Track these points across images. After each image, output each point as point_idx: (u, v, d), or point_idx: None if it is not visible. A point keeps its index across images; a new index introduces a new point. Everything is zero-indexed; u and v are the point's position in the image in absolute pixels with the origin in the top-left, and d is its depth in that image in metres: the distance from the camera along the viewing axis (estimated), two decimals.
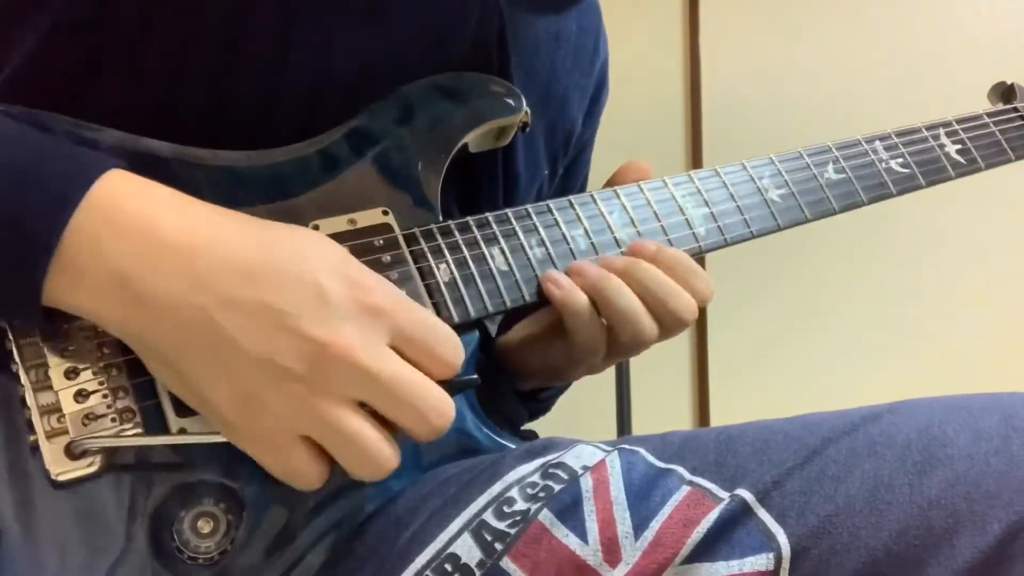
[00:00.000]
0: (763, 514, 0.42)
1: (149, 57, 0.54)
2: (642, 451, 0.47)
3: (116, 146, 0.50)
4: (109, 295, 0.42)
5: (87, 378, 0.45)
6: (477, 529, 0.45)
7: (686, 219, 0.62)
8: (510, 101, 0.60)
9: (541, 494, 0.46)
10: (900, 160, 0.71)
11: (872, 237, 1.44)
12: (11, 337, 0.45)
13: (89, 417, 0.44)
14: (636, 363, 1.31)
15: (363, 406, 0.44)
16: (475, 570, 0.44)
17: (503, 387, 0.65)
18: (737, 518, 0.42)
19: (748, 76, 1.44)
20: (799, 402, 0.68)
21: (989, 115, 0.76)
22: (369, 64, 0.58)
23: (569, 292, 0.56)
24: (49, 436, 0.43)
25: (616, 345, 0.58)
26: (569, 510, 0.45)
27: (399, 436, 0.45)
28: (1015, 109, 0.77)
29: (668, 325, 0.57)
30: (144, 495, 0.45)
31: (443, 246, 0.55)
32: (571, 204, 0.60)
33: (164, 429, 0.46)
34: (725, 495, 0.43)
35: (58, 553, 0.43)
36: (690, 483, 0.45)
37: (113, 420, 0.45)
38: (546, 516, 0.45)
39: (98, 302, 0.42)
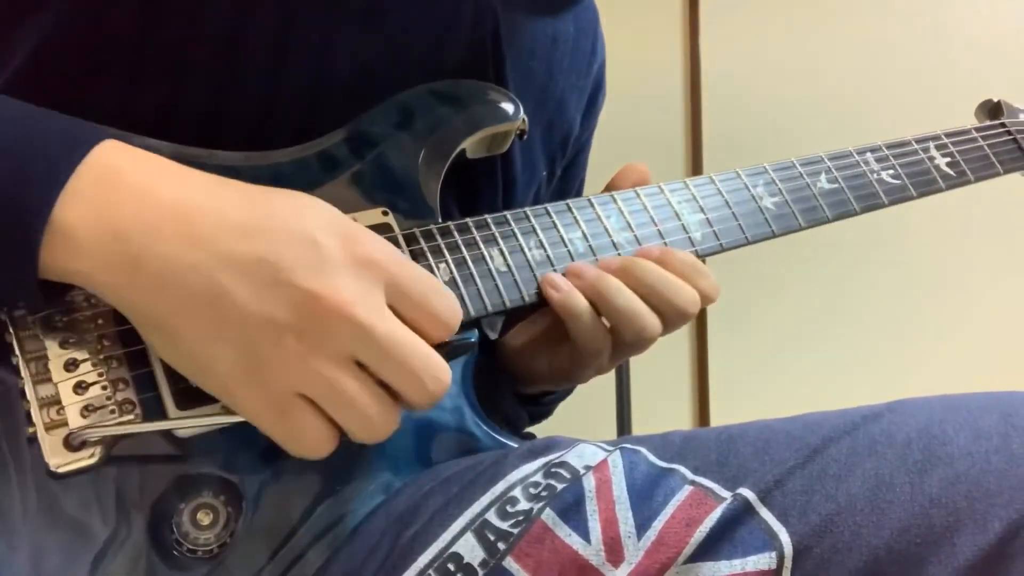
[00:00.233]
0: (765, 513, 0.42)
1: (149, 58, 0.54)
2: (644, 451, 0.47)
3: None
4: (106, 258, 0.41)
5: (87, 370, 0.45)
6: (480, 528, 0.45)
7: (682, 224, 0.63)
8: (508, 109, 0.60)
9: (544, 493, 0.46)
10: (891, 172, 0.72)
11: (871, 238, 1.45)
12: (11, 329, 0.45)
13: (88, 409, 0.44)
14: (636, 363, 1.31)
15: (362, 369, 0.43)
16: (478, 570, 0.44)
17: (503, 388, 0.65)
18: (739, 517, 0.42)
19: (748, 76, 1.45)
20: (799, 402, 0.68)
21: (977, 130, 0.78)
22: (368, 65, 0.58)
23: (568, 294, 0.56)
24: (48, 428, 0.43)
25: (621, 344, 0.58)
26: (572, 510, 0.45)
27: (399, 403, 0.45)
28: (1002, 125, 0.79)
29: (671, 318, 0.57)
30: (143, 487, 0.44)
31: (442, 246, 0.55)
32: (569, 208, 0.61)
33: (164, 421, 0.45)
34: (727, 494, 0.43)
35: (54, 545, 0.42)
36: (692, 483, 0.45)
37: (112, 412, 0.44)
38: (549, 516, 0.45)
39: (95, 265, 0.41)
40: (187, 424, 0.45)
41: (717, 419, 1.46)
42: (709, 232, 0.63)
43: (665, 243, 0.61)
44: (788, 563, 0.41)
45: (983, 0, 1.52)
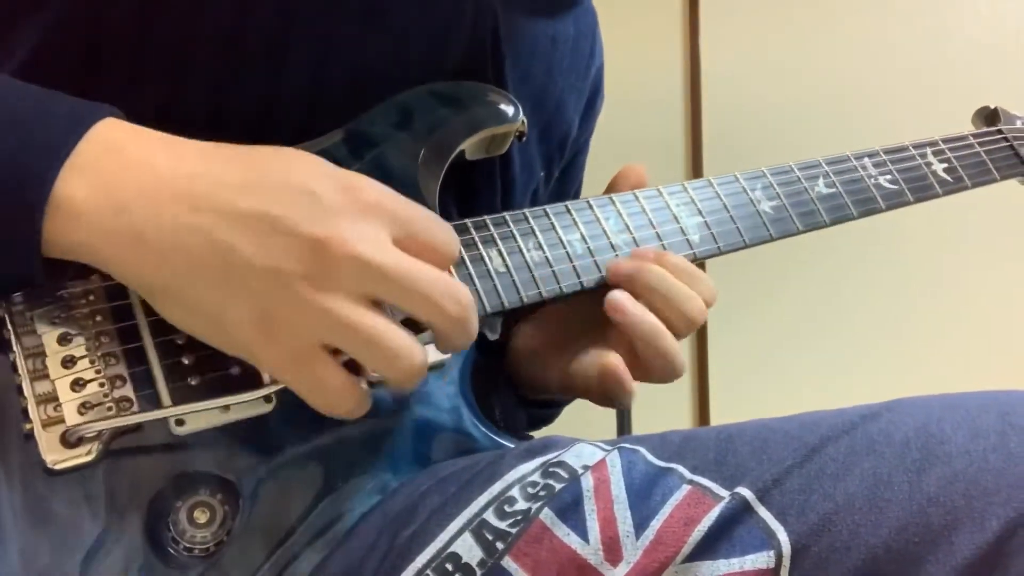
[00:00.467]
0: (763, 512, 0.42)
1: (149, 57, 0.54)
2: (642, 450, 0.47)
3: None
4: (109, 231, 0.41)
5: (84, 367, 0.45)
6: (478, 528, 0.45)
7: (680, 227, 0.63)
8: (507, 110, 0.61)
9: (542, 493, 0.46)
10: (888, 177, 0.72)
11: (869, 240, 1.45)
12: (9, 326, 0.45)
13: (86, 406, 0.44)
14: None
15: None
16: (476, 569, 0.44)
17: (501, 390, 0.65)
18: (738, 516, 0.42)
19: (748, 78, 1.46)
20: (798, 401, 0.68)
21: (974, 136, 0.78)
22: (367, 65, 0.58)
23: (641, 316, 0.56)
24: (45, 425, 0.43)
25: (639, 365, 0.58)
26: (570, 509, 0.45)
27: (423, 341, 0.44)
28: (999, 131, 0.79)
29: (679, 329, 0.58)
30: (140, 485, 0.44)
31: None
32: (567, 209, 0.61)
33: (161, 419, 0.45)
34: (725, 494, 0.43)
35: (47, 542, 0.42)
36: (690, 482, 0.45)
37: (110, 409, 0.44)
38: (547, 515, 0.45)
39: (98, 239, 0.42)
40: (184, 411, 0.45)
41: (717, 419, 1.46)
42: (707, 235, 0.63)
43: (664, 245, 0.61)
44: (786, 562, 0.41)
45: (983, 0, 1.53)
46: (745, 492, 0.43)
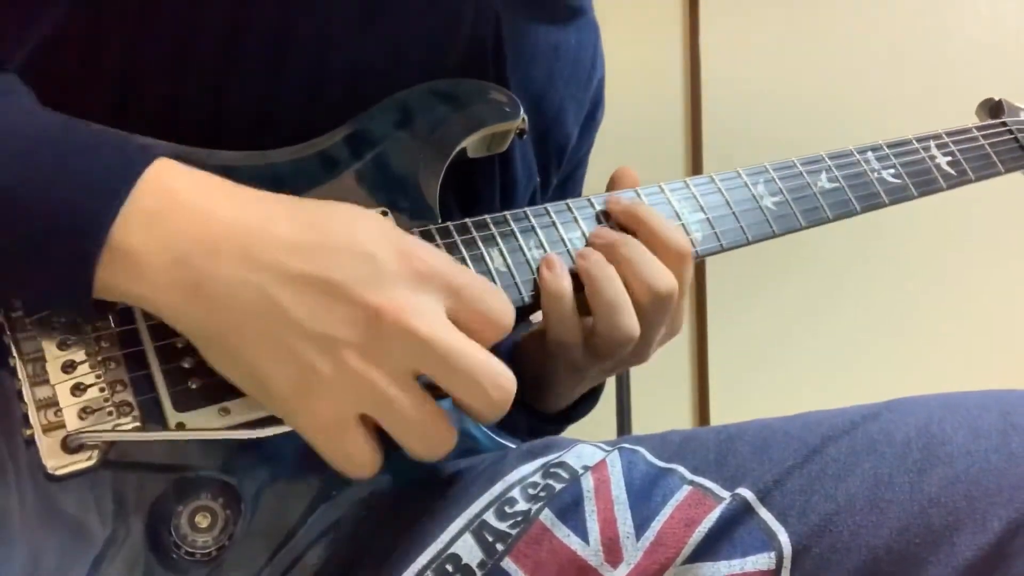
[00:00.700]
0: (764, 513, 0.42)
1: (148, 57, 0.54)
2: (642, 450, 0.47)
3: None
4: (167, 282, 0.41)
5: (84, 372, 0.44)
6: (478, 529, 0.45)
7: (682, 224, 0.63)
8: (508, 108, 0.60)
9: (542, 494, 0.46)
10: (892, 171, 0.71)
11: (872, 238, 1.45)
12: (8, 331, 0.44)
13: (86, 411, 0.44)
14: None
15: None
16: (476, 570, 0.44)
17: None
18: (738, 517, 0.42)
19: (748, 76, 1.45)
20: (799, 401, 0.68)
21: (978, 128, 0.77)
22: (367, 65, 0.58)
23: (558, 276, 0.55)
24: (46, 430, 0.43)
25: (594, 339, 0.56)
26: (570, 510, 0.45)
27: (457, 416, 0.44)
28: (1003, 123, 0.79)
29: (647, 306, 0.55)
30: (141, 490, 0.44)
31: (442, 246, 0.55)
32: (569, 208, 0.61)
33: (162, 423, 0.45)
34: (726, 494, 0.43)
35: (52, 547, 0.42)
36: (691, 483, 0.45)
37: (110, 414, 0.44)
38: (547, 516, 0.45)
39: (156, 289, 0.41)
40: (185, 436, 0.45)
41: (717, 419, 1.46)
42: (710, 232, 0.63)
43: None
44: (787, 563, 0.41)
45: (983, 0, 1.52)
46: (746, 493, 0.43)
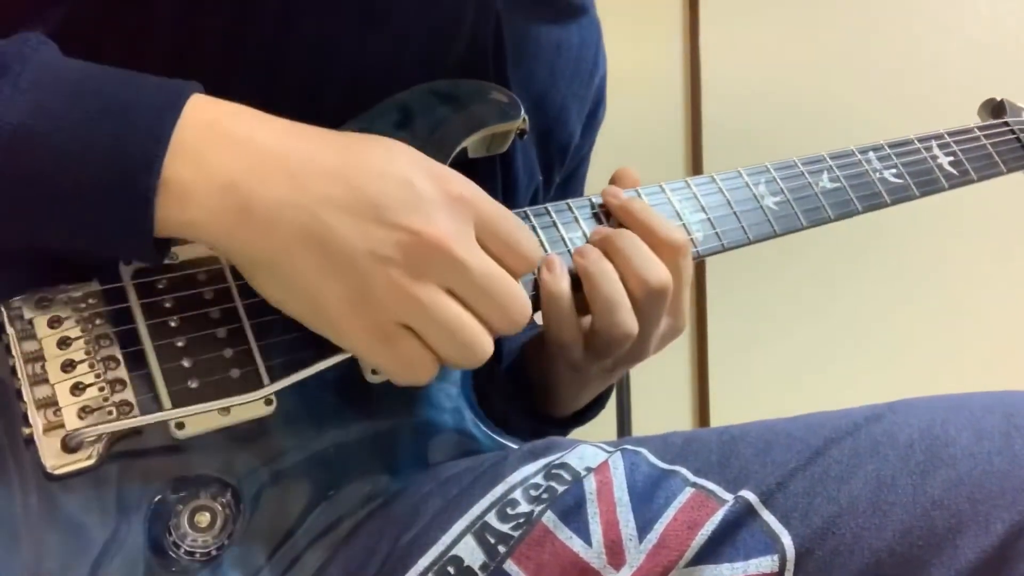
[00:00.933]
0: (767, 515, 0.42)
1: (148, 57, 0.53)
2: (645, 452, 0.47)
3: None
4: (218, 208, 0.43)
5: (84, 371, 0.44)
6: (480, 531, 0.45)
7: (683, 224, 0.62)
8: (508, 108, 0.60)
9: (544, 496, 0.45)
10: (893, 171, 0.71)
11: (873, 238, 1.45)
12: (8, 331, 0.44)
13: (86, 410, 0.44)
14: None
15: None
16: (478, 572, 0.43)
17: (512, 399, 0.64)
18: (741, 520, 0.42)
19: (748, 76, 1.45)
20: (799, 402, 0.68)
21: (980, 128, 0.77)
22: (367, 65, 0.58)
23: (557, 278, 0.55)
24: (45, 429, 0.43)
25: (594, 338, 0.56)
26: (573, 512, 0.44)
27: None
28: (1005, 123, 0.79)
29: (643, 302, 0.55)
30: (141, 489, 0.44)
31: None
32: (569, 207, 0.60)
33: (162, 423, 0.45)
34: (729, 497, 0.43)
35: (50, 547, 0.42)
36: (694, 485, 0.44)
37: (110, 413, 0.44)
38: (550, 518, 0.44)
39: (207, 216, 0.43)
40: (184, 414, 0.45)
41: (717, 419, 1.46)
42: (711, 232, 0.63)
43: None
44: (790, 566, 0.41)
45: (983, 0, 1.52)
46: (749, 495, 0.43)
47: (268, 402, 0.47)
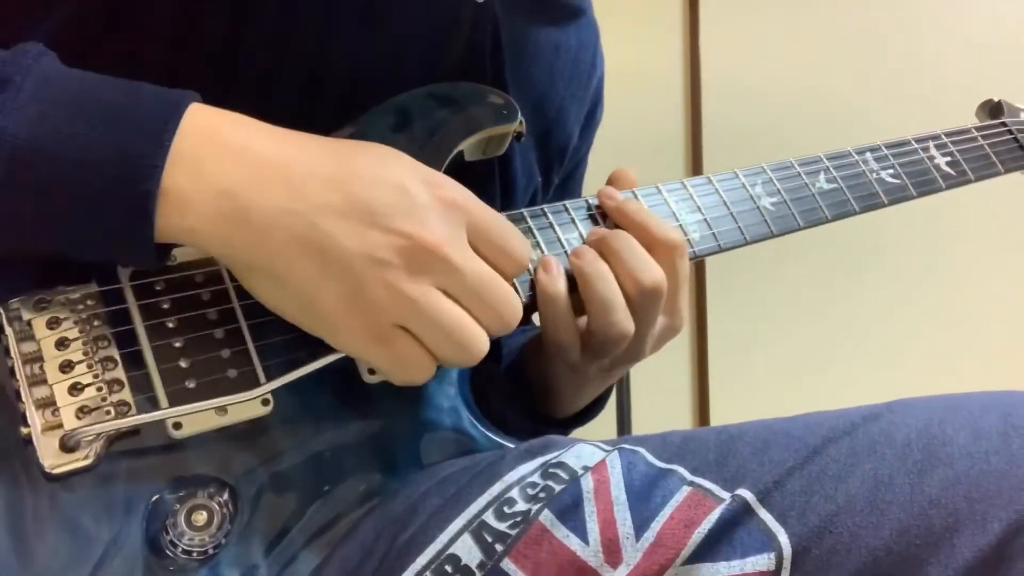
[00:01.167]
0: (764, 514, 0.42)
1: (147, 58, 0.53)
2: (642, 451, 0.47)
3: None
4: (215, 215, 0.44)
5: (82, 371, 0.44)
6: (477, 530, 0.45)
7: (680, 224, 0.63)
8: (505, 111, 0.60)
9: (541, 494, 0.46)
10: (891, 171, 0.71)
11: (872, 238, 1.45)
12: (7, 332, 0.44)
13: (84, 410, 0.44)
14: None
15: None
16: (475, 571, 0.43)
17: (511, 399, 0.64)
18: (738, 518, 0.42)
19: (748, 76, 1.46)
20: (799, 401, 0.68)
21: (978, 129, 0.77)
22: (366, 65, 0.58)
23: (554, 278, 0.56)
24: (44, 429, 0.43)
25: (590, 339, 0.57)
26: (570, 510, 0.44)
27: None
28: (1003, 124, 0.79)
29: (639, 302, 0.56)
30: (139, 488, 0.44)
31: None
32: (566, 208, 0.61)
33: (159, 422, 0.45)
34: (726, 495, 0.43)
35: (48, 546, 0.42)
36: (691, 483, 0.44)
37: (108, 413, 0.44)
38: (547, 517, 0.44)
39: (205, 222, 0.44)
40: (181, 412, 0.45)
41: (717, 419, 1.46)
42: (707, 233, 0.63)
43: None
44: (787, 564, 0.41)
45: (983, 0, 1.52)
46: (746, 494, 0.43)
47: (265, 402, 0.47)
